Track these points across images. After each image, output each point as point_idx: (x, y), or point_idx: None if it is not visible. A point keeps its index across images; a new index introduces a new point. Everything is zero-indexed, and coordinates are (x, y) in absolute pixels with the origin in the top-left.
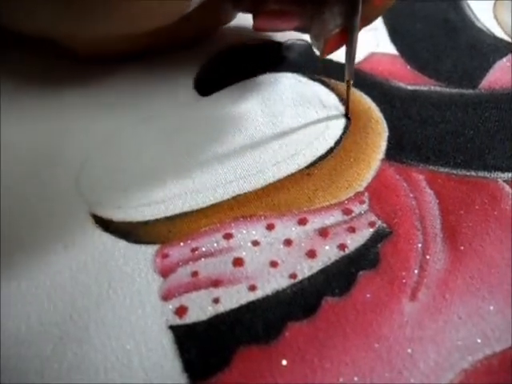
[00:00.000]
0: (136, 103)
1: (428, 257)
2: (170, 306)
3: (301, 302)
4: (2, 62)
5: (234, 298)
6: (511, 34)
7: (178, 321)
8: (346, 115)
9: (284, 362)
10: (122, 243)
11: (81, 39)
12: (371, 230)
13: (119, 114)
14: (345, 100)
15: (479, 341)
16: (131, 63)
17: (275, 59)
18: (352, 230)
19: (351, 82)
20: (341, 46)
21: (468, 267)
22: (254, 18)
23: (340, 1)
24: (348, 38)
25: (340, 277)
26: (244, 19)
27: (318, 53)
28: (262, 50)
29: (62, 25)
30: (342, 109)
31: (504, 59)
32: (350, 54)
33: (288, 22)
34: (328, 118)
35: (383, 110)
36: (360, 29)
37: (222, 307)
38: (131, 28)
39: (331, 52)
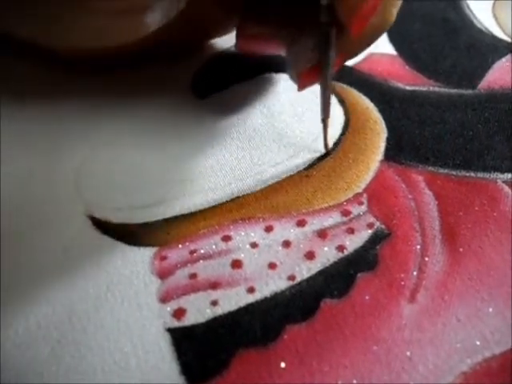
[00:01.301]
0: (134, 106)
1: (427, 258)
2: (168, 309)
3: (299, 304)
4: (1, 69)
5: (232, 300)
6: (511, 33)
7: (175, 323)
8: (326, 153)
9: (283, 365)
10: (121, 245)
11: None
12: (370, 231)
13: (117, 117)
14: (343, 101)
15: (478, 343)
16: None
17: (273, 60)
18: (351, 231)
19: (327, 122)
20: (314, 82)
21: (467, 269)
22: (236, 39)
23: (313, 33)
24: (321, 75)
25: (339, 279)
26: None
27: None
28: None
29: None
30: (340, 109)
31: (503, 59)
32: (324, 93)
33: (268, 47)
34: None
35: (382, 111)
36: (341, 64)
37: (221, 309)
38: (91, 43)
39: (305, 87)
